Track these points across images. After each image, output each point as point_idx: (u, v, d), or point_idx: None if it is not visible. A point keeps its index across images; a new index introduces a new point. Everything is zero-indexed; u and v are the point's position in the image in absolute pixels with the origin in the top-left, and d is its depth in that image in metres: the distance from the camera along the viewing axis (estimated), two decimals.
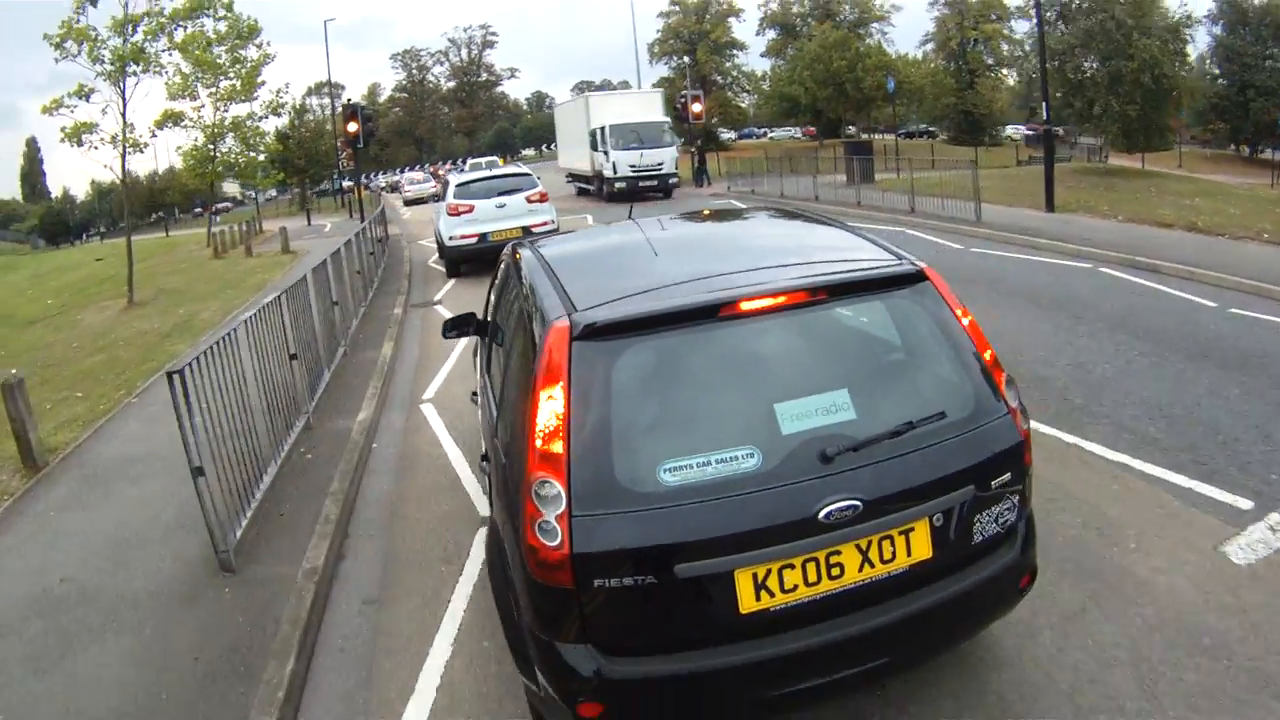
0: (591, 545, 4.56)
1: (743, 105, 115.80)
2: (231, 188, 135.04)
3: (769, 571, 4.64)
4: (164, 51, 32.54)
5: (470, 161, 70.62)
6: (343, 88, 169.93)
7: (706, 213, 8.72)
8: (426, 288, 25.06)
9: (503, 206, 25.99)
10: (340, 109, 39.19)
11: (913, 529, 4.86)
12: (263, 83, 49.64)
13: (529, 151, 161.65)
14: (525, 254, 6.58)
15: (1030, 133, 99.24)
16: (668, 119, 50.50)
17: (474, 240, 25.51)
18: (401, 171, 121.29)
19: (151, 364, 18.02)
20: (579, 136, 52.35)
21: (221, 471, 8.68)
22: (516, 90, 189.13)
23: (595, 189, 49.85)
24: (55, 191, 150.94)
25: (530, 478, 4.70)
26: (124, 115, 30.16)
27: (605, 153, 46.53)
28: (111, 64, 29.75)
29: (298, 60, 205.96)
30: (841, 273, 5.46)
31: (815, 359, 5.26)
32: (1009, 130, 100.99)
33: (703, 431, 4.78)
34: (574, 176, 56.12)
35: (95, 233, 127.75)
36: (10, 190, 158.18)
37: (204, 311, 25.19)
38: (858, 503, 4.66)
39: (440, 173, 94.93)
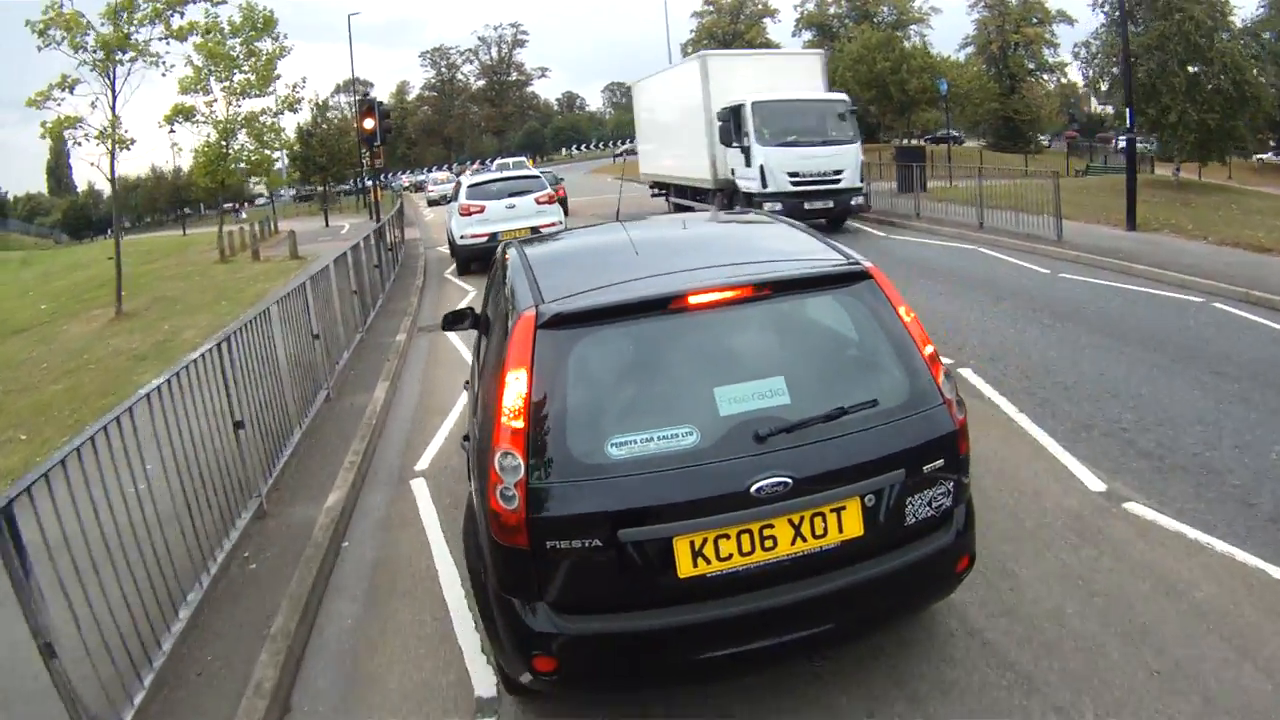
0: (545, 510, 5.03)
1: None
2: (260, 185, 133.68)
3: (705, 540, 5.03)
4: (160, 39, 29.30)
5: (497, 162, 67.70)
6: (370, 85, 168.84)
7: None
8: (440, 304, 22.33)
9: (512, 207, 26.75)
10: (356, 104, 35.71)
11: (844, 507, 5.21)
12: (278, 76, 47.06)
13: (559, 153, 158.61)
14: (512, 253, 7.01)
15: (1071, 139, 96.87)
16: (845, 96, 32.92)
17: (484, 239, 25.87)
18: (428, 171, 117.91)
19: (113, 398, 15.39)
20: (685, 123, 34.46)
21: (107, 604, 6.15)
22: (547, 90, 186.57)
23: (721, 206, 30.98)
24: (81, 185, 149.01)
25: (494, 449, 5.16)
26: (113, 109, 27.55)
27: (745, 149, 29.29)
28: (96, 52, 26.99)
29: (326, 58, 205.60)
30: (787, 270, 5.92)
31: (756, 348, 5.68)
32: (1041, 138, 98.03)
33: (648, 411, 5.28)
34: (669, 188, 39.93)
35: (128, 224, 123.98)
36: (37, 184, 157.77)
37: (189, 329, 22.88)
38: (787, 480, 5.05)
39: (468, 173, 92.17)
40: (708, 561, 5.07)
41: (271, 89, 47.36)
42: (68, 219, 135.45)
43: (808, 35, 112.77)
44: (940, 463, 5.52)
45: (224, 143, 46.89)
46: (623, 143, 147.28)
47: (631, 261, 6.31)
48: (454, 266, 29.02)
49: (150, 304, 29.56)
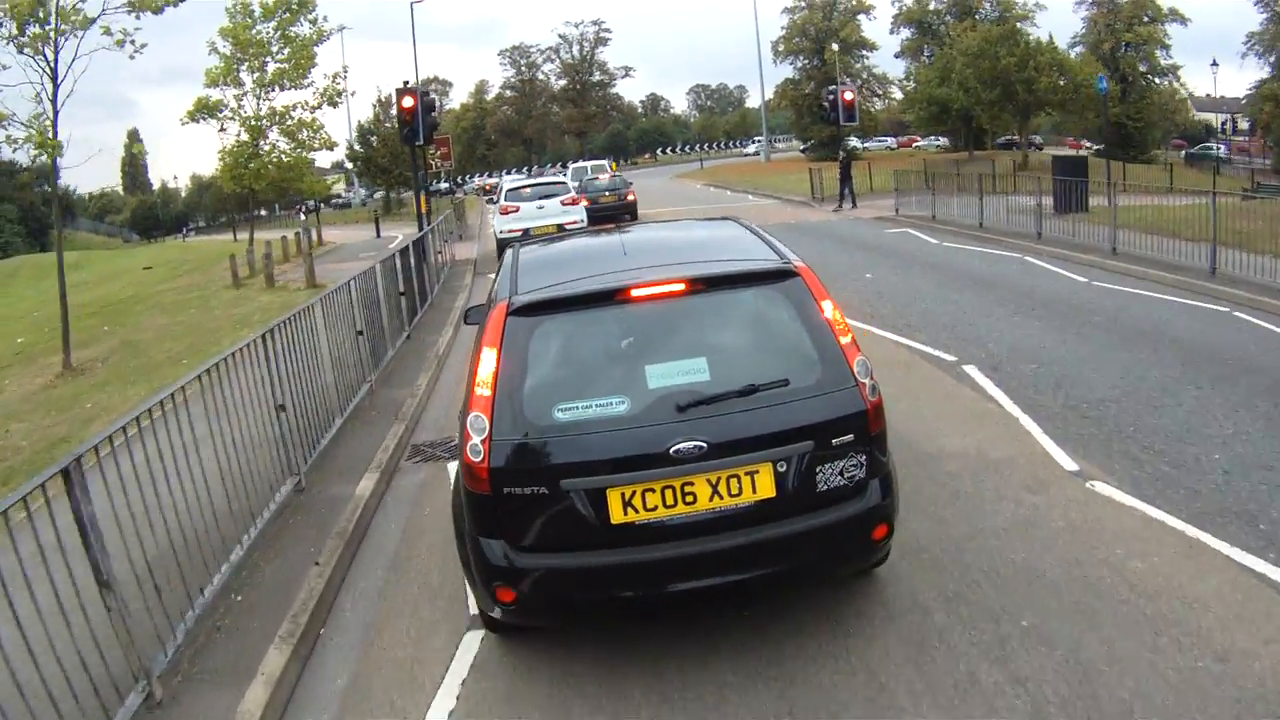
0: (504, 462, 5.99)
1: (874, 110, 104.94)
2: (337, 185, 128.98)
3: (634, 492, 5.88)
4: (121, 9, 22.74)
5: (574, 166, 61.94)
6: (449, 85, 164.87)
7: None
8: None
9: (541, 208, 31.99)
10: (396, 92, 29.04)
11: (757, 471, 5.97)
12: (315, 64, 41.11)
13: (644, 157, 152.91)
14: (509, 255, 8.02)
15: (1180, 148, 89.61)
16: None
17: (519, 234, 27.00)
18: (505, 173, 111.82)
19: None
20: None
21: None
22: (630, 92, 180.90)
23: None
24: (156, 184, 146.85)
25: (469, 412, 6.16)
26: (54, 100, 21.32)
27: None
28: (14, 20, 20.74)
29: (398, 57, 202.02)
30: (722, 268, 6.81)
31: (685, 333, 6.44)
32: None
33: (590, 383, 6.24)
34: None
35: (192, 227, 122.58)
36: (112, 181, 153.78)
37: (123, 404, 16.74)
38: (703, 444, 5.84)
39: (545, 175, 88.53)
40: (636, 511, 5.90)
41: (309, 80, 41.68)
42: (136, 218, 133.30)
43: (906, 33, 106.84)
44: (850, 438, 6.16)
45: (255, 142, 41.10)
46: (708, 148, 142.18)
47: (610, 260, 7.33)
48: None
49: (112, 352, 24.49)
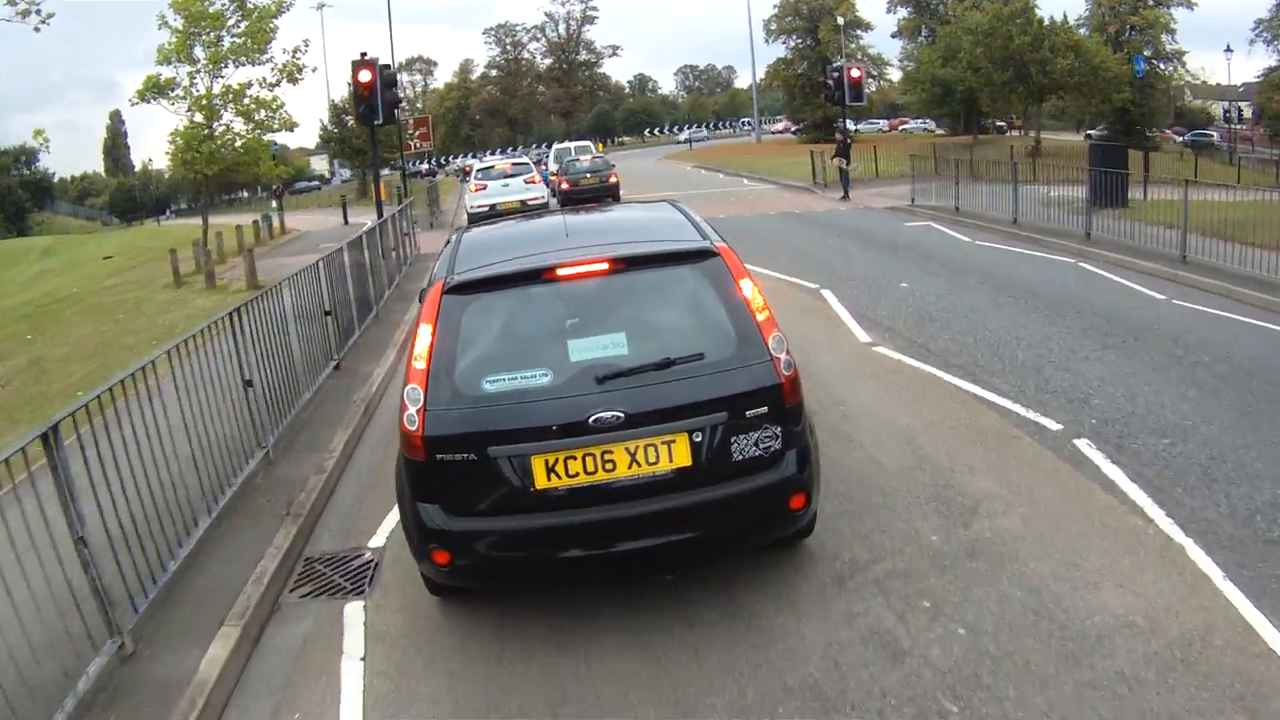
0: (436, 430, 6.33)
1: (868, 91, 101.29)
2: (320, 164, 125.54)
3: (556, 460, 6.22)
4: None
5: (556, 147, 59.05)
6: (434, 64, 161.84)
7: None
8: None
9: (507, 185, 36.59)
10: (352, 64, 25.15)
11: (674, 440, 6.29)
12: (274, 35, 37.63)
13: (630, 138, 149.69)
14: (454, 238, 8.32)
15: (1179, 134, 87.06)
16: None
17: (486, 209, 34.17)
18: (490, 154, 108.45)
19: None
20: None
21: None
22: (618, 72, 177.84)
23: None
24: (138, 165, 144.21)
25: (406, 384, 6.50)
26: None
27: None
28: None
29: (384, 38, 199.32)
30: (645, 248, 7.21)
31: (608, 311, 6.77)
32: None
33: (516, 357, 6.59)
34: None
35: (174, 210, 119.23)
36: (94, 163, 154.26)
37: None
38: (620, 414, 6.18)
39: (531, 159, 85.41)
40: (559, 477, 6.24)
41: (268, 56, 38.02)
42: (115, 200, 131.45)
43: (903, 12, 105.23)
44: (764, 410, 6.43)
45: (208, 124, 37.53)
46: (696, 128, 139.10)
47: (549, 242, 7.67)
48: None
49: (15, 374, 21.63)
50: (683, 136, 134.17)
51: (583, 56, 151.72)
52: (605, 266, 6.76)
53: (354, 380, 13.95)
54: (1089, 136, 75.34)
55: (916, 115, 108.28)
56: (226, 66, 37.02)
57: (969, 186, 29.82)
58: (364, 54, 26.12)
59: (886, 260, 21.26)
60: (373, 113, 25.68)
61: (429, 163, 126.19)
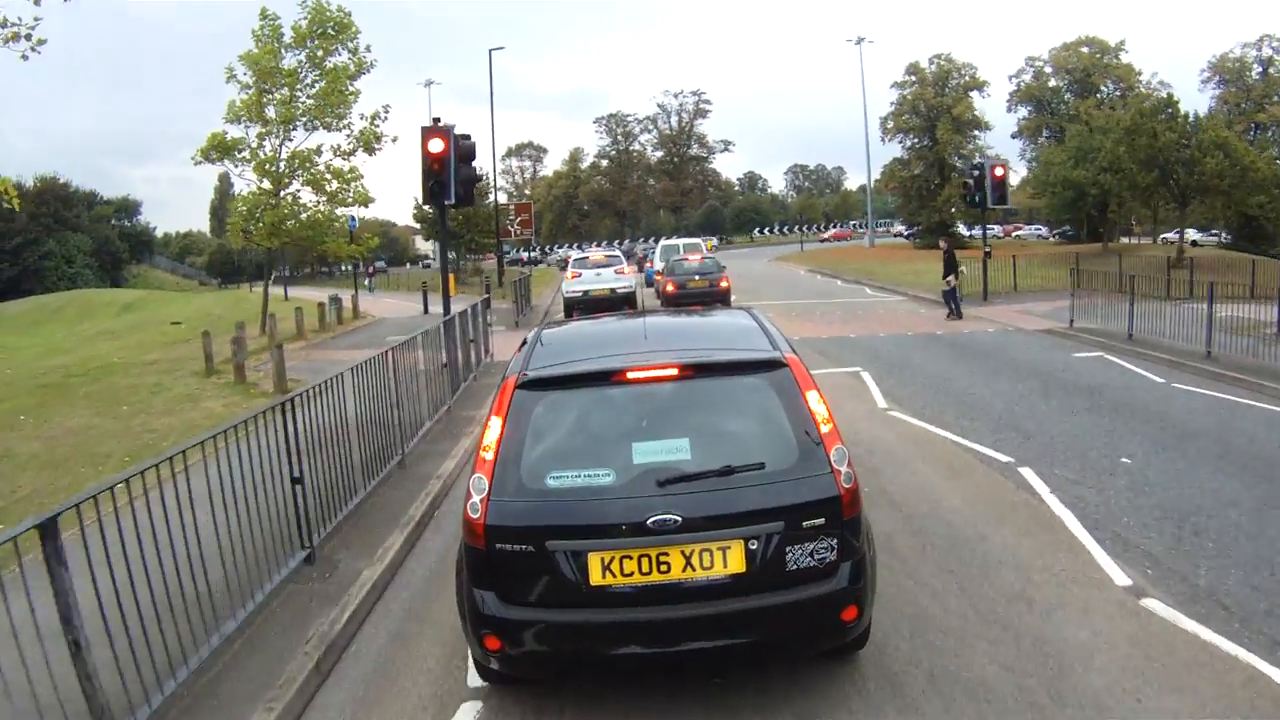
0: (498, 520, 6.44)
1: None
2: (427, 244, 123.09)
3: (613, 558, 6.27)
4: None
5: (663, 243, 55.13)
6: (545, 150, 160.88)
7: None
8: None
9: (599, 275, 39.24)
10: (423, 131, 20.67)
11: (729, 546, 6.31)
12: (355, 97, 34.35)
13: (741, 235, 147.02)
14: (532, 334, 8.44)
15: None
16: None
17: (580, 294, 38.02)
18: (596, 246, 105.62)
19: None
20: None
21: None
22: (727, 168, 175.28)
23: None
24: None
25: (474, 473, 6.63)
26: None
27: None
28: None
29: (500, 122, 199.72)
30: (714, 356, 7.33)
31: (674, 415, 6.86)
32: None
33: (582, 454, 6.70)
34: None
35: (276, 275, 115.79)
36: (201, 223, 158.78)
37: None
38: (677, 518, 6.23)
39: (637, 253, 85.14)
40: (614, 575, 6.29)
41: (346, 122, 34.52)
42: (215, 261, 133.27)
43: (1024, 112, 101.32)
44: (821, 521, 6.44)
45: (275, 191, 33.97)
46: (808, 229, 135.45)
47: (626, 343, 7.97)
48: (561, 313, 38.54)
49: None
50: (828, 234, 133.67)
51: (694, 150, 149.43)
52: (674, 372, 6.86)
53: (330, 587, 9.60)
54: (1194, 244, 69.93)
55: (1029, 221, 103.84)
56: (296, 129, 33.66)
57: (1154, 307, 24.91)
58: (437, 119, 22.01)
59: (1082, 414, 16.36)
60: (443, 190, 21.35)
61: (532, 251, 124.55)
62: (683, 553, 6.26)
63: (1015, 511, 11.07)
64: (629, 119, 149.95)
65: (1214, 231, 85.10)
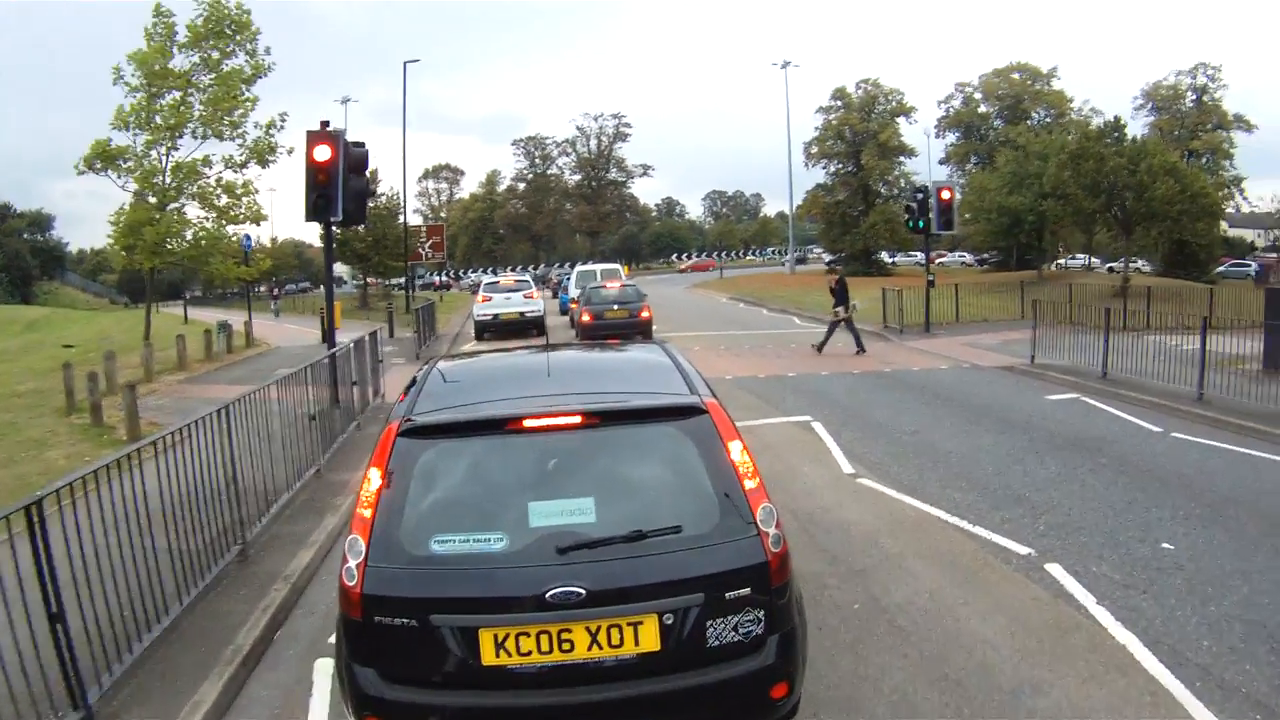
0: (376, 589, 5.62)
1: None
2: (342, 268, 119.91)
3: (507, 635, 5.50)
4: None
5: (579, 269, 51.99)
6: (462, 173, 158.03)
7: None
8: None
9: (509, 299, 41.10)
10: (308, 136, 17.58)
11: (641, 622, 5.53)
12: (250, 105, 31.23)
13: (658, 262, 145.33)
14: (422, 371, 7.66)
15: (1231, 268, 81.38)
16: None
17: (490, 318, 40.54)
18: (510, 270, 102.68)
19: None
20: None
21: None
22: (645, 194, 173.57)
23: None
24: None
25: (349, 533, 5.86)
26: None
27: None
28: None
29: (421, 146, 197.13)
30: (623, 401, 6.44)
31: (578, 470, 6.08)
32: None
33: (470, 515, 5.86)
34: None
35: (190, 294, 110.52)
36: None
37: None
38: (581, 591, 5.45)
39: (552, 279, 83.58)
40: (509, 654, 5.51)
41: (240, 131, 31.53)
42: (126, 279, 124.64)
43: (951, 138, 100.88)
44: (746, 590, 5.69)
45: (161, 206, 30.86)
46: (726, 255, 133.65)
47: (526, 381, 7.38)
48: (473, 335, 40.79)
49: None
50: (685, 264, 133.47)
51: (612, 175, 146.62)
52: (578, 419, 6.06)
53: None
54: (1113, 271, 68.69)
55: (953, 248, 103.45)
56: (184, 137, 30.63)
57: (1129, 342, 22.45)
58: (325, 123, 18.95)
59: (1089, 478, 13.57)
60: (328, 205, 18.39)
61: (445, 275, 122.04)
62: (588, 629, 5.57)
63: (1066, 640, 8.22)
64: (547, 142, 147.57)
65: (1136, 260, 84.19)
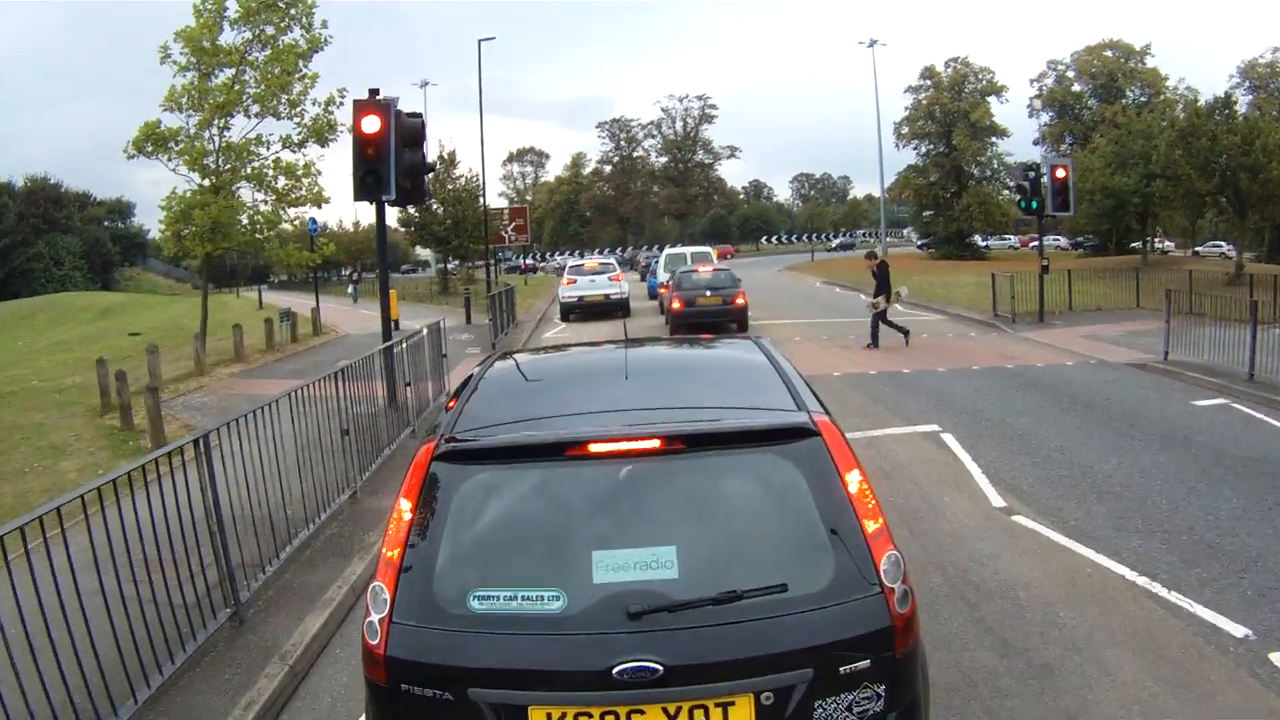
0: (402, 651, 4.55)
1: (1004, 202, 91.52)
2: (424, 250, 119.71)
3: (564, 715, 4.41)
4: None
5: (669, 251, 51.36)
6: (547, 156, 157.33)
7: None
8: None
9: (593, 281, 42.11)
10: (356, 106, 15.98)
11: (732, 703, 4.40)
12: (310, 81, 30.00)
13: (747, 244, 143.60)
14: (478, 371, 6.52)
15: None
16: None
17: (576, 299, 41.69)
18: (597, 254, 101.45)
19: None
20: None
21: None
22: (732, 176, 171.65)
23: None
24: None
25: (374, 579, 4.78)
26: None
27: None
28: None
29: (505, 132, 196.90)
30: (714, 422, 5.17)
31: (654, 509, 4.85)
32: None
33: (519, 565, 4.73)
34: None
35: (276, 279, 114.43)
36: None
37: None
38: (656, 666, 4.30)
39: (640, 261, 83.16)
40: None
41: (299, 109, 29.78)
42: (205, 266, 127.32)
43: (1045, 118, 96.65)
44: (864, 663, 4.50)
45: (214, 189, 29.06)
46: (816, 239, 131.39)
47: (599, 387, 6.10)
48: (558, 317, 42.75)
49: None
50: (835, 243, 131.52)
51: (699, 157, 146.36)
52: (657, 444, 4.75)
53: None
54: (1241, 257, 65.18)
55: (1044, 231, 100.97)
56: (236, 117, 29.04)
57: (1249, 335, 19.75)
58: (374, 91, 16.85)
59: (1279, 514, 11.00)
60: (379, 182, 16.36)
61: (531, 257, 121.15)
62: (665, 711, 4.32)
63: None
64: (632, 124, 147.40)
65: (1228, 244, 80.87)
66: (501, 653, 4.48)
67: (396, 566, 4.69)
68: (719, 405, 5.52)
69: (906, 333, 27.05)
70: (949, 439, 15.07)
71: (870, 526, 4.69)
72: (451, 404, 5.90)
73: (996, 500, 11.81)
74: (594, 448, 4.80)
